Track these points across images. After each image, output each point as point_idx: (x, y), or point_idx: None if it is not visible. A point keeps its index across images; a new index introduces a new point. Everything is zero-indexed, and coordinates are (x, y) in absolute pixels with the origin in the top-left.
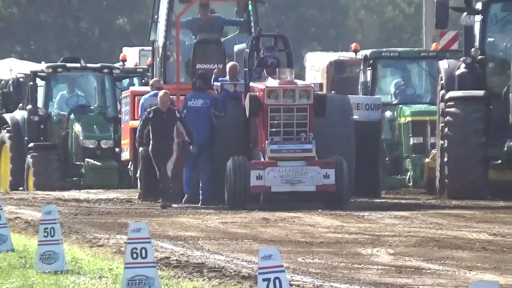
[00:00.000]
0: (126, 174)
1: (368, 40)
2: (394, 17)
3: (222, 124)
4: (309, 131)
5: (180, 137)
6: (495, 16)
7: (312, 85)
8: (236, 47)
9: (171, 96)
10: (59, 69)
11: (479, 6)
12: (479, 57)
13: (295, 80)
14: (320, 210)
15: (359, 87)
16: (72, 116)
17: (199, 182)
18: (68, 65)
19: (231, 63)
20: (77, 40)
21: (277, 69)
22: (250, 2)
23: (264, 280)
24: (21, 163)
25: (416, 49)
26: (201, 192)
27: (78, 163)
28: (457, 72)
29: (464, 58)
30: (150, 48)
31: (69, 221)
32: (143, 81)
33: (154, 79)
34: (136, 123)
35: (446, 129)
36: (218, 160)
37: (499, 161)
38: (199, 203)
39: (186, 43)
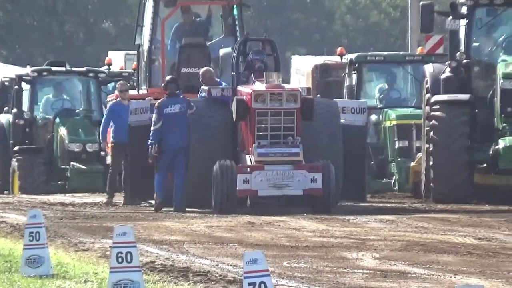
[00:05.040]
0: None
1: (353, 44)
2: (380, 21)
3: (208, 127)
4: (296, 135)
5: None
6: (480, 21)
7: (300, 89)
8: (222, 51)
9: (155, 100)
10: (44, 73)
11: (464, 10)
12: (464, 61)
13: (283, 84)
14: (305, 214)
15: (345, 91)
16: (57, 119)
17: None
18: (53, 69)
19: (204, 68)
20: (62, 44)
21: (264, 73)
22: (235, 6)
23: (249, 284)
24: (6, 166)
25: (401, 53)
26: (174, 198)
27: (64, 166)
28: (442, 76)
29: (449, 62)
30: (135, 52)
31: (54, 225)
32: (129, 85)
33: (121, 82)
34: None
35: (431, 133)
36: (204, 164)
37: (485, 165)
38: (173, 210)
39: (170, 47)
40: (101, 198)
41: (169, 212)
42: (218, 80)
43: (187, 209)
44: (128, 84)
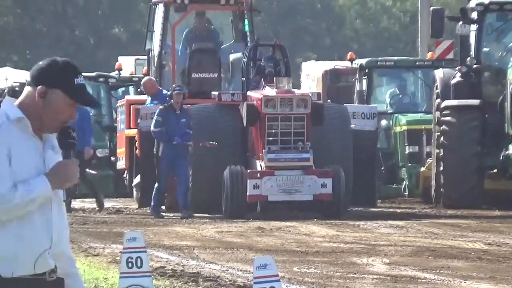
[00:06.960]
0: (121, 183)
1: (363, 49)
2: (390, 26)
3: (219, 132)
4: (307, 140)
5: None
6: (490, 26)
7: (310, 94)
8: (232, 56)
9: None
10: None
11: (474, 15)
12: (475, 66)
13: (293, 89)
14: (315, 219)
15: (355, 96)
16: None
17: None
18: None
19: (145, 78)
20: (72, 49)
21: (274, 78)
22: (245, 11)
23: None
24: None
25: (411, 58)
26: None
27: None
28: (453, 81)
29: (459, 67)
30: (145, 57)
31: None
32: (139, 90)
33: None
34: (132, 132)
35: (441, 138)
36: (214, 169)
37: (495, 170)
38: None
39: (180, 52)
40: (111, 203)
41: (178, 218)
42: (160, 88)
43: (196, 214)
44: (138, 89)
